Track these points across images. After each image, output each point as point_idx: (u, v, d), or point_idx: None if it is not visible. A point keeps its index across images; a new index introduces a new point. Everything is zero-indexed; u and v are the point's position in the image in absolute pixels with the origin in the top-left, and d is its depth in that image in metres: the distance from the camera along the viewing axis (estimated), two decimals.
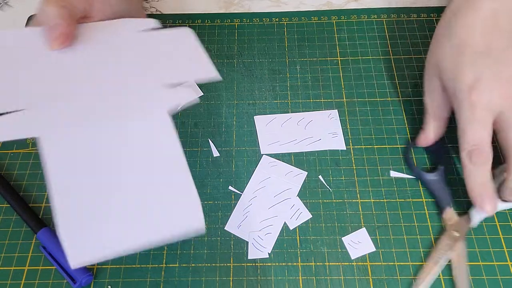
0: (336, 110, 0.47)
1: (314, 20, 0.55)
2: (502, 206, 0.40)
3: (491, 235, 0.40)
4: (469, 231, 0.40)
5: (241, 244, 0.40)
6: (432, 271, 0.38)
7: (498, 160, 0.40)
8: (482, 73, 0.36)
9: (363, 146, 0.45)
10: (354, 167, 0.44)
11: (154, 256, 0.40)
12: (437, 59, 0.40)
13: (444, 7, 0.56)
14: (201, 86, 0.47)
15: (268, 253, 0.40)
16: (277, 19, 0.55)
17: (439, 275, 0.38)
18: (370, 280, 0.38)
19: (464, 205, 0.41)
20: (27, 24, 0.55)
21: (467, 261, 0.38)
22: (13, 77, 0.35)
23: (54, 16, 0.36)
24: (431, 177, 0.42)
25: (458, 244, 0.39)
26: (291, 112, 0.47)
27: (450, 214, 0.40)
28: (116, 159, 0.31)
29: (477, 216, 0.39)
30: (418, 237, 0.40)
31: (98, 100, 0.35)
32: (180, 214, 0.29)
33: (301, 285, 0.38)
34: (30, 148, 0.46)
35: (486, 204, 0.36)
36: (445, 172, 0.42)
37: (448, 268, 0.38)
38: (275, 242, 0.40)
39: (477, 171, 0.37)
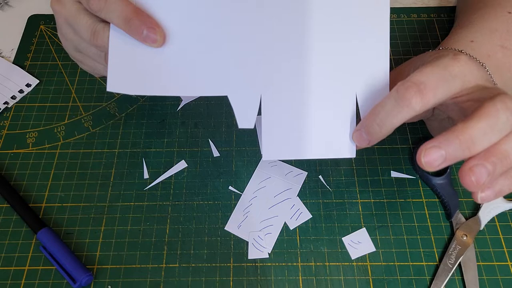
0: None
1: None
2: (506, 206, 0.40)
3: (491, 235, 0.40)
4: (478, 234, 0.40)
5: (241, 244, 0.40)
6: (444, 275, 0.38)
7: None
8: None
9: None
10: (354, 167, 0.44)
11: (154, 256, 0.40)
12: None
13: (444, 7, 0.56)
14: None
15: (268, 253, 0.40)
16: None
17: (450, 279, 0.38)
18: (370, 280, 0.38)
19: (472, 208, 0.42)
20: (27, 24, 0.55)
21: (476, 264, 0.39)
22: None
23: None
24: (439, 181, 0.42)
25: (468, 247, 0.39)
26: None
27: (459, 217, 0.41)
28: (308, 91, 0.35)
29: (485, 218, 0.40)
30: (418, 237, 0.40)
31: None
32: (341, 142, 0.34)
33: (301, 285, 0.38)
34: (30, 148, 0.46)
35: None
36: (450, 174, 0.42)
37: (459, 272, 0.38)
38: (275, 242, 0.40)
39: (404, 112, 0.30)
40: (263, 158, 0.35)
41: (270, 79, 0.34)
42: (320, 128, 0.34)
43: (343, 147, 0.34)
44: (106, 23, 0.34)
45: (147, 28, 0.33)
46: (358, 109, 0.34)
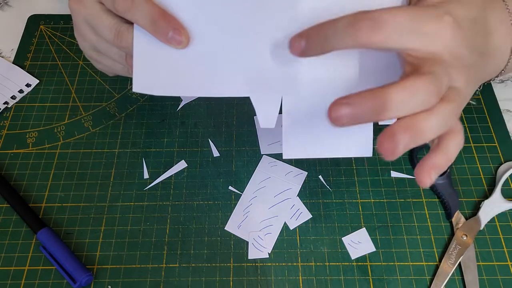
0: None
1: None
2: (506, 205, 0.40)
3: (491, 235, 0.40)
4: (478, 234, 0.40)
5: (241, 244, 0.40)
6: (444, 275, 0.38)
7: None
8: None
9: None
10: (354, 167, 0.44)
11: (154, 256, 0.40)
12: None
13: None
14: None
15: (268, 253, 0.40)
16: None
17: (450, 279, 0.38)
18: (370, 280, 0.38)
19: (472, 208, 0.42)
20: (27, 24, 0.55)
21: (477, 263, 0.39)
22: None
23: None
24: (439, 181, 0.42)
25: (468, 247, 0.39)
26: None
27: (459, 217, 0.41)
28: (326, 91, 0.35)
29: (485, 218, 0.40)
30: (418, 237, 0.40)
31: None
32: (358, 142, 0.35)
33: (301, 285, 0.38)
34: (30, 148, 0.46)
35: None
36: (451, 174, 0.42)
37: (459, 272, 0.38)
38: (275, 242, 0.40)
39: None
40: (284, 157, 0.35)
41: (291, 80, 0.34)
42: (338, 128, 0.34)
43: (359, 147, 0.35)
44: (130, 24, 0.34)
45: (172, 30, 0.33)
46: None
